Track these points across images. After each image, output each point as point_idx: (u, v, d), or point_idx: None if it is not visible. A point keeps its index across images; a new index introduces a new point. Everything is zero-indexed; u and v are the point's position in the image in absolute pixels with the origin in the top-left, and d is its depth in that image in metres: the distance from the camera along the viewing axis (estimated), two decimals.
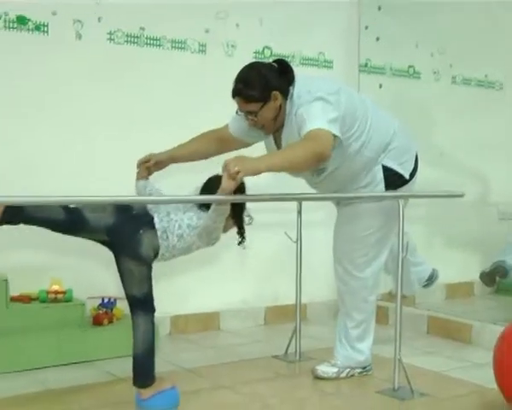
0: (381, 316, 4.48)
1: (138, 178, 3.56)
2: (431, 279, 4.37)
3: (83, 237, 3.17)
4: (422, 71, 5.72)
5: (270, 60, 3.56)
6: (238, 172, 2.89)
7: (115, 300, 4.17)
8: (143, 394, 3.17)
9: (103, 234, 3.11)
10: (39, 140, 4.21)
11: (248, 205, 3.37)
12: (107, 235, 3.11)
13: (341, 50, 5.33)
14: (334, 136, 3.20)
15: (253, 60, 4.60)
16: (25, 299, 4.03)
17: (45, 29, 4.23)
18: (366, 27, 5.41)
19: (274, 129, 3.42)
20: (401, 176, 3.54)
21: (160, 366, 3.40)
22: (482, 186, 6.00)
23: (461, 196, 3.68)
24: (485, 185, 6.02)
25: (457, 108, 5.81)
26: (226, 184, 2.93)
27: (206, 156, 3.70)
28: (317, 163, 3.23)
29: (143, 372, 3.18)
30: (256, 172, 2.97)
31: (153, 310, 3.19)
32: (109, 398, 3.37)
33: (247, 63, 3.40)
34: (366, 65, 5.45)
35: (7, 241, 3.76)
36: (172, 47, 4.65)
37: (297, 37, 5.11)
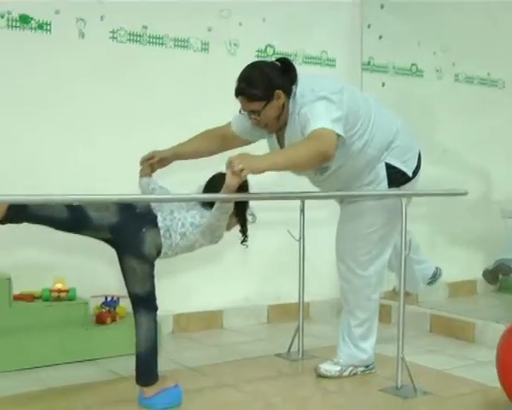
0: (384, 315, 4.48)
1: (141, 176, 3.56)
2: (434, 277, 4.36)
3: (86, 235, 3.18)
4: (425, 69, 5.71)
5: (273, 58, 3.57)
6: (242, 170, 2.89)
7: (118, 298, 4.18)
8: (146, 392, 3.18)
9: (106, 232, 3.12)
10: (42, 138, 4.22)
11: (251, 203, 3.38)
12: (111, 233, 3.12)
13: (344, 49, 5.32)
14: (338, 135, 3.21)
15: (256, 58, 4.60)
16: (28, 297, 4.04)
17: (48, 28, 4.23)
18: (369, 26, 5.41)
19: (277, 128, 3.42)
20: (404, 174, 3.54)
21: (163, 364, 3.41)
22: (485, 184, 5.99)
23: (464, 194, 3.67)
24: (488, 183, 6.01)
25: (460, 106, 5.80)
26: (230, 180, 2.94)
27: (208, 154, 3.70)
28: (321, 162, 3.23)
29: (146, 371, 3.19)
30: (260, 171, 2.98)
31: (155, 308, 3.20)
32: (112, 396, 3.36)
33: (249, 62, 3.41)
34: (369, 63, 5.44)
35: (10, 239, 3.76)
36: (175, 45, 4.65)
37: (300, 35, 5.11)
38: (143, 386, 3.18)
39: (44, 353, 3.83)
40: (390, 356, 3.67)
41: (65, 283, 4.08)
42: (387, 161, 3.50)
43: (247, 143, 3.63)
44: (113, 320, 4.14)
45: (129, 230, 3.12)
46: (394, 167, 3.51)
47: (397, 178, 3.52)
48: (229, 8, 4.79)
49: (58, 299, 4.02)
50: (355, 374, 3.72)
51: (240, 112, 3.40)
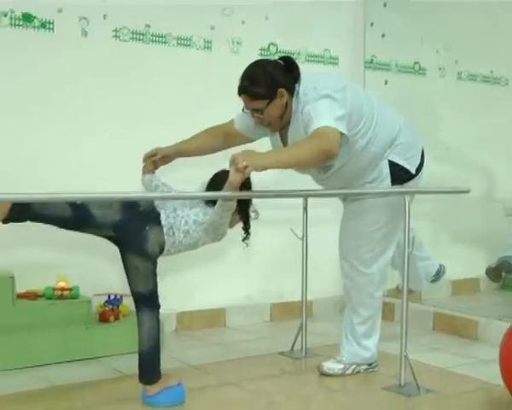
0: (387, 312, 4.48)
1: (144, 173, 3.57)
2: (438, 275, 4.36)
3: (89, 233, 3.18)
4: (428, 67, 5.71)
5: (276, 57, 3.57)
6: (246, 167, 2.90)
7: (121, 297, 4.18)
8: (149, 390, 3.18)
9: (110, 230, 3.12)
10: (45, 137, 4.22)
11: (254, 200, 3.38)
12: (114, 231, 3.12)
13: (347, 47, 5.33)
14: (341, 133, 3.21)
15: (259, 57, 4.61)
16: (31, 296, 4.04)
17: (51, 26, 4.24)
18: (371, 24, 5.41)
19: (280, 126, 3.42)
20: (407, 171, 3.54)
21: (166, 362, 3.41)
22: (488, 182, 5.99)
23: (467, 191, 3.67)
24: (491, 181, 6.01)
25: (463, 104, 5.80)
26: (233, 177, 2.94)
27: (211, 151, 3.71)
28: (325, 161, 3.24)
29: (149, 369, 3.19)
30: (263, 168, 2.98)
31: (158, 307, 3.20)
32: (115, 394, 3.37)
33: (252, 60, 3.41)
34: (372, 61, 5.44)
35: (13, 238, 3.77)
36: (178, 44, 4.65)
37: (302, 33, 5.11)
38: (146, 384, 3.19)
39: (47, 351, 3.84)
40: (393, 354, 3.67)
41: (68, 281, 4.08)
42: (391, 159, 3.50)
43: (250, 140, 3.64)
44: (116, 319, 4.15)
45: (132, 228, 3.12)
46: (397, 165, 3.51)
47: (400, 175, 3.52)
48: (232, 6, 4.79)
49: (61, 297, 4.03)
50: (358, 372, 3.72)
51: (243, 110, 3.40)
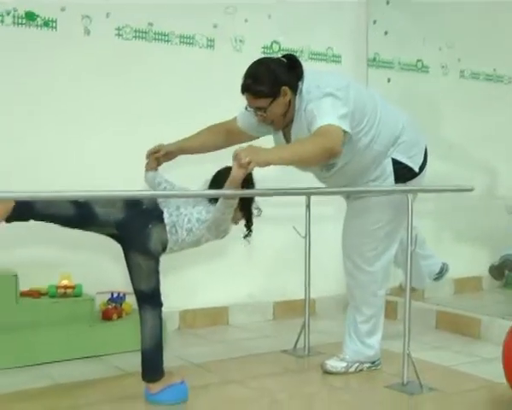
0: (390, 311, 4.48)
1: (147, 170, 3.57)
2: (441, 273, 4.36)
3: (92, 231, 3.18)
4: (431, 65, 5.70)
5: (279, 55, 3.56)
6: (249, 163, 2.90)
7: (124, 295, 4.19)
8: (152, 388, 3.19)
9: (113, 228, 3.12)
10: (47, 136, 4.22)
11: (257, 198, 3.38)
12: (117, 229, 3.12)
13: (350, 45, 5.32)
14: (345, 132, 3.20)
15: (262, 55, 4.58)
16: (34, 294, 4.05)
17: (54, 25, 4.24)
18: (374, 22, 5.41)
19: (283, 125, 3.41)
20: (411, 169, 3.53)
21: (169, 360, 3.41)
22: (491, 180, 5.99)
23: (470, 190, 3.66)
24: (494, 179, 6.01)
25: (466, 102, 5.79)
26: (236, 172, 2.95)
27: (213, 149, 3.71)
28: (328, 159, 3.24)
29: (152, 367, 3.20)
30: (266, 164, 2.98)
31: (160, 305, 3.20)
32: (118, 392, 3.37)
33: (255, 58, 3.40)
34: (374, 59, 5.44)
35: (16, 236, 3.76)
36: (181, 42, 4.65)
37: (305, 31, 5.10)
38: (149, 382, 3.19)
39: (51, 349, 3.84)
40: (396, 352, 3.67)
41: (71, 279, 4.08)
42: (394, 157, 3.50)
43: (253, 138, 3.63)
44: (119, 317, 4.15)
45: (135, 226, 3.12)
46: (401, 163, 3.51)
47: (403, 173, 3.52)
48: (235, 4, 4.79)
49: (64, 295, 4.03)
50: (361, 370, 3.72)
51: (246, 108, 3.40)
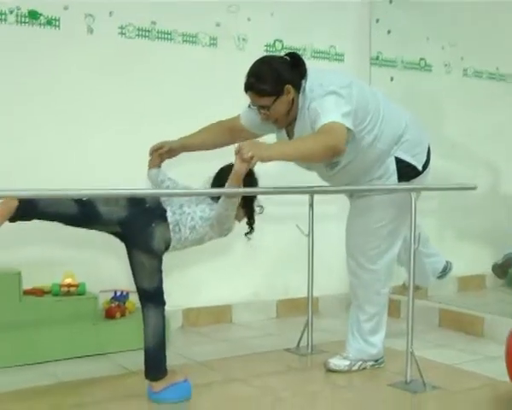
0: (393, 309, 4.47)
1: (150, 167, 3.57)
2: (445, 271, 4.36)
3: (96, 230, 3.18)
4: (434, 64, 5.70)
5: (282, 53, 3.56)
6: (252, 157, 2.90)
7: (128, 293, 4.19)
8: (155, 387, 3.19)
9: (116, 227, 3.12)
10: (51, 134, 4.22)
11: (259, 197, 3.38)
12: (120, 228, 3.12)
13: (352, 43, 5.32)
14: (348, 130, 3.20)
15: (265, 53, 4.59)
16: (38, 292, 4.05)
17: (57, 23, 4.24)
18: (377, 20, 5.40)
19: (287, 123, 3.41)
20: (414, 167, 3.53)
21: (173, 359, 3.42)
22: (494, 178, 5.99)
23: (473, 188, 3.67)
24: (497, 178, 6.01)
25: (469, 100, 5.79)
26: (238, 167, 2.95)
27: (216, 146, 3.71)
28: (332, 157, 3.24)
29: (155, 365, 3.20)
30: (269, 159, 2.99)
31: (163, 303, 3.20)
32: (121, 391, 3.37)
33: (258, 57, 3.40)
34: (377, 58, 5.44)
35: (20, 235, 3.76)
36: (183, 41, 4.65)
37: (308, 30, 5.10)
38: (152, 381, 3.19)
39: (54, 347, 3.85)
40: (399, 351, 3.67)
41: (74, 277, 4.09)
42: (397, 156, 3.50)
43: (256, 136, 3.63)
44: (123, 315, 4.15)
45: (138, 224, 3.12)
46: (404, 161, 3.51)
47: (407, 172, 3.51)
48: (238, 3, 4.79)
49: (68, 294, 4.04)
50: (364, 369, 3.72)
51: (249, 106, 3.40)
